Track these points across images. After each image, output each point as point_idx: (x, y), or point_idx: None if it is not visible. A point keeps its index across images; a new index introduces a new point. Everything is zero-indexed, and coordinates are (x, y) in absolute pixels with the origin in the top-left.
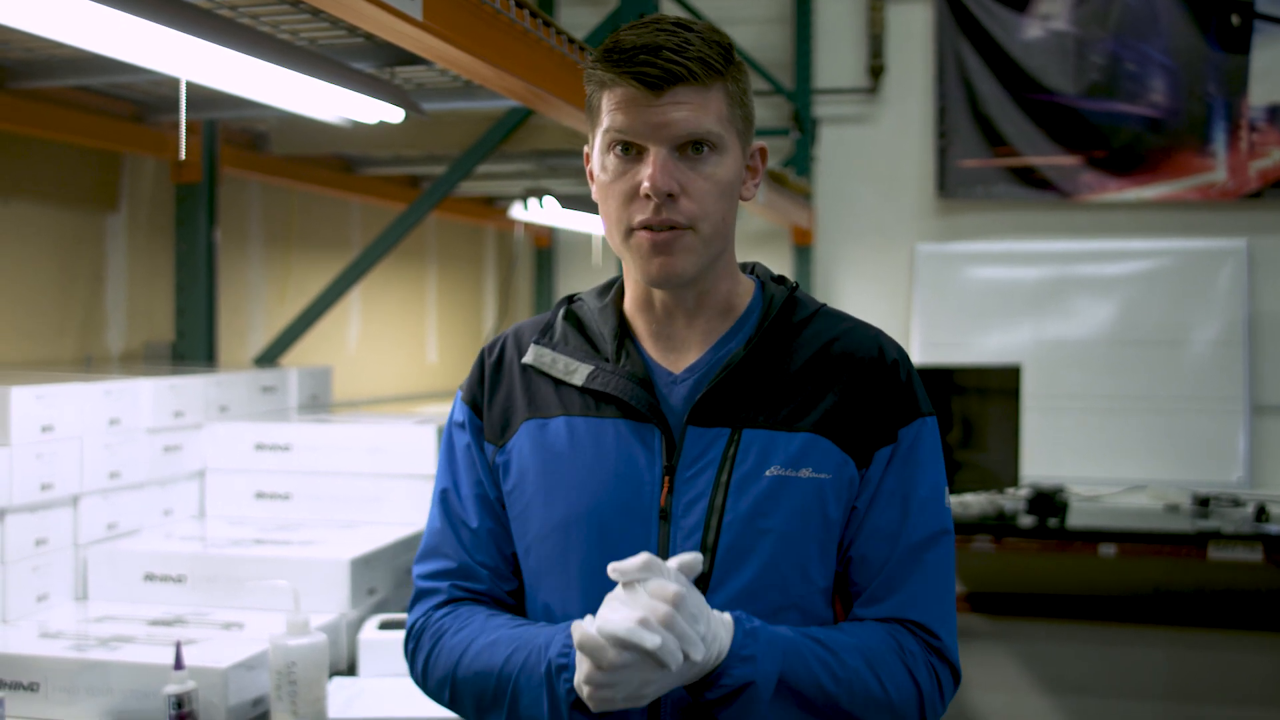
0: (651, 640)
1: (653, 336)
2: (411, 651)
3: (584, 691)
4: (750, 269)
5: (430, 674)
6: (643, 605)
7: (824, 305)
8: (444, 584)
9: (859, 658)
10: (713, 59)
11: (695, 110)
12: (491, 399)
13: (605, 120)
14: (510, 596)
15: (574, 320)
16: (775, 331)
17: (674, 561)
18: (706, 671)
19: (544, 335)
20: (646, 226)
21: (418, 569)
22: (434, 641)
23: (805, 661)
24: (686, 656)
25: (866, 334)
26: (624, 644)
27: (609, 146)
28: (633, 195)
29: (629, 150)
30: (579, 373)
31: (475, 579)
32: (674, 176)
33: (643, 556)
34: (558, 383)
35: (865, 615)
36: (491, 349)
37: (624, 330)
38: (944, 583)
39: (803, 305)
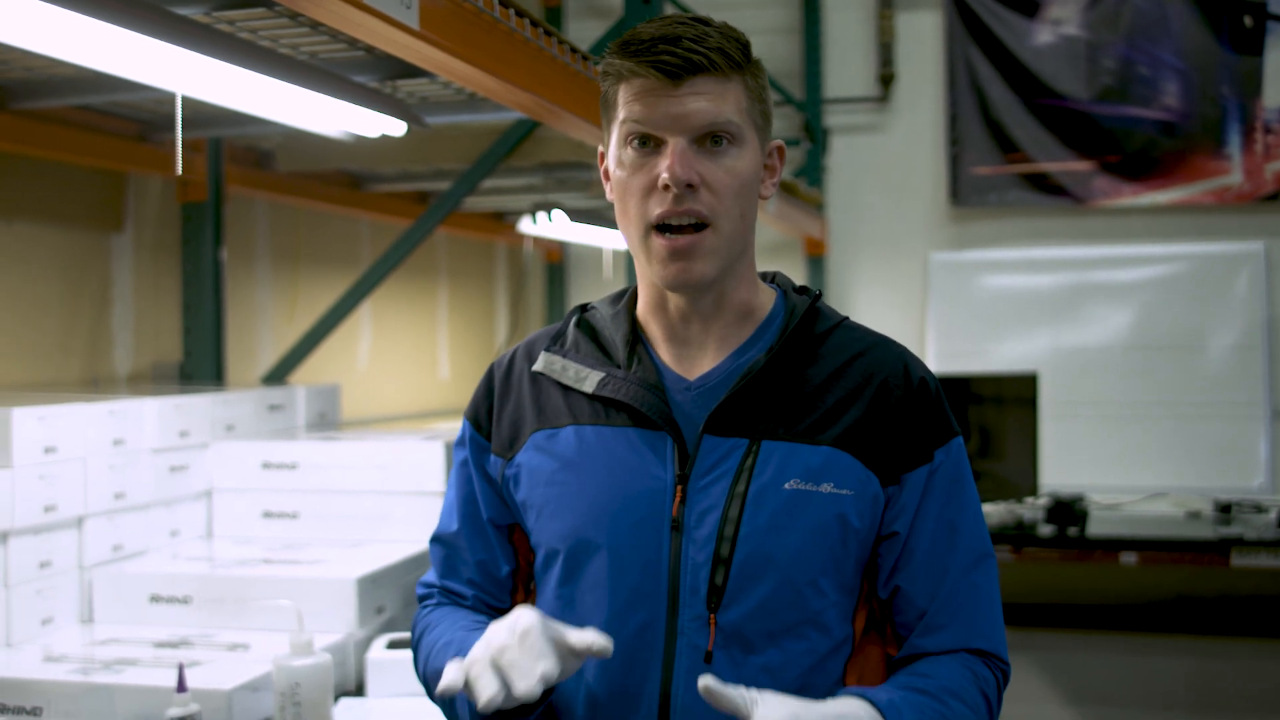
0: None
1: (666, 342)
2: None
3: None
4: (771, 278)
5: (419, 671)
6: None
7: (846, 318)
8: (434, 590)
9: (958, 702)
10: (732, 51)
11: (714, 100)
12: (500, 412)
13: (622, 112)
14: (495, 612)
15: (587, 327)
16: (797, 341)
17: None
18: None
19: (555, 342)
20: (666, 225)
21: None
22: (415, 642)
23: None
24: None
25: (891, 351)
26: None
27: (626, 140)
28: (650, 189)
29: (647, 143)
30: (589, 380)
31: (458, 595)
32: (693, 167)
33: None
34: (567, 390)
35: (924, 644)
36: (501, 362)
37: (637, 336)
38: (996, 604)
39: (825, 317)
